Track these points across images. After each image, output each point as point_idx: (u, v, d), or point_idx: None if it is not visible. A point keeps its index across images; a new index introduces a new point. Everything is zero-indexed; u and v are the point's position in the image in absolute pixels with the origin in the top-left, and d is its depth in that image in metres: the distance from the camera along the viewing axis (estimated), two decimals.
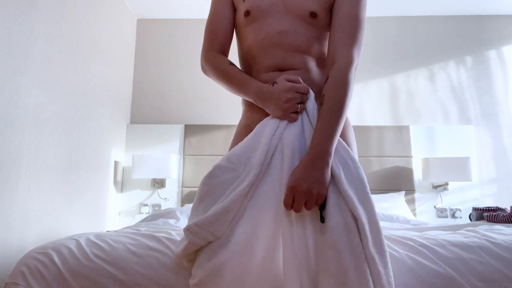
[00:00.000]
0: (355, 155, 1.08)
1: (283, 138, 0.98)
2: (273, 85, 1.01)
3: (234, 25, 1.19)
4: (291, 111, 0.99)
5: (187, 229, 0.93)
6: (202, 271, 0.90)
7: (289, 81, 1.01)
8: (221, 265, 0.88)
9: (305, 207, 0.88)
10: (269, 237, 0.90)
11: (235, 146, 1.02)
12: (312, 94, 1.03)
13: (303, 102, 1.01)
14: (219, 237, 0.91)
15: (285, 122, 0.99)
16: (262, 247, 0.89)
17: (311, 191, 0.87)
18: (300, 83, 1.01)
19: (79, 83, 2.35)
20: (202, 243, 0.92)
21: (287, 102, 0.98)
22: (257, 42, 1.10)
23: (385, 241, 0.89)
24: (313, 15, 1.08)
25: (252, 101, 1.06)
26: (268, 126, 1.00)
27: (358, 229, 0.86)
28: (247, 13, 1.11)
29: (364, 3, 1.07)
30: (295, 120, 1.00)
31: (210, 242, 0.92)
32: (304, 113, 1.01)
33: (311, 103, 1.01)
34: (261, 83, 1.04)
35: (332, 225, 0.86)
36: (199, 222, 0.91)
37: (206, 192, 0.97)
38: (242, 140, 1.08)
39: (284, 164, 0.94)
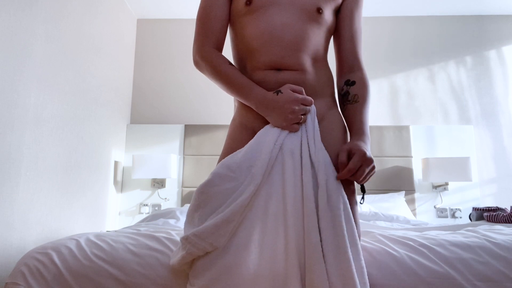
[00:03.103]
0: None
1: (283, 147, 0.97)
2: (277, 94, 0.99)
3: (229, 15, 1.13)
4: (294, 122, 0.99)
5: (185, 239, 0.91)
6: (201, 280, 0.89)
7: (293, 91, 1.00)
8: (220, 275, 0.87)
9: (359, 180, 0.95)
10: (271, 246, 0.88)
11: (235, 153, 1.00)
12: (313, 107, 1.02)
13: (305, 114, 1.00)
14: (217, 247, 0.89)
15: (285, 131, 0.99)
16: (262, 256, 0.88)
17: (374, 165, 0.97)
18: (304, 94, 1.01)
19: (79, 83, 2.35)
20: (200, 253, 0.90)
21: (292, 114, 0.97)
22: (257, 34, 1.06)
23: (352, 266, 0.85)
24: (320, 11, 1.07)
25: (253, 107, 1.04)
26: (269, 135, 0.99)
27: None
28: (249, 2, 1.07)
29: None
30: (296, 130, 0.99)
31: (207, 252, 0.90)
32: (303, 124, 1.01)
33: (311, 115, 1.01)
34: (264, 90, 1.02)
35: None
36: (198, 232, 0.89)
37: (204, 200, 0.94)
38: (237, 139, 1.07)
39: (285, 173, 0.94)
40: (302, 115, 0.99)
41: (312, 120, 1.01)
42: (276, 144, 0.97)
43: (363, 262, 0.88)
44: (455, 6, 3.19)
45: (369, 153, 0.95)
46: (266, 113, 1.01)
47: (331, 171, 0.94)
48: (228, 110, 3.24)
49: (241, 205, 0.90)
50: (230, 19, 1.14)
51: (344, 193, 0.93)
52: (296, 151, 0.96)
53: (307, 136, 0.99)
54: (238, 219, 0.90)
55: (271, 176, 0.94)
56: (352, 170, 0.92)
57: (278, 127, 1.00)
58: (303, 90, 1.01)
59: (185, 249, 0.91)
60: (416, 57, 3.29)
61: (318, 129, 1.00)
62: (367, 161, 0.93)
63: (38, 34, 1.93)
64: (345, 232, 0.88)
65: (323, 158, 0.95)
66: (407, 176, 2.98)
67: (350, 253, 0.86)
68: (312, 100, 1.02)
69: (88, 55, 2.47)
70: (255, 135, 1.01)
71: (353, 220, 0.91)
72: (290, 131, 0.99)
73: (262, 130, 1.01)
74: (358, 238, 0.90)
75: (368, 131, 1.04)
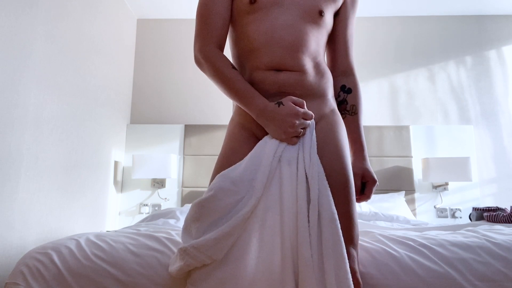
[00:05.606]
0: (348, 156, 1.06)
1: (282, 159, 0.97)
2: (278, 106, 0.99)
3: (230, 12, 1.12)
4: (293, 135, 0.98)
5: (184, 251, 0.90)
6: None
7: (294, 103, 0.99)
8: (217, 286, 0.87)
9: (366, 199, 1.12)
10: (267, 258, 0.88)
11: (237, 165, 0.99)
12: (313, 122, 1.02)
13: (305, 128, 1.00)
14: (216, 260, 0.88)
15: (284, 143, 0.99)
16: (258, 268, 0.87)
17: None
18: (305, 107, 1.00)
19: (79, 83, 2.35)
20: (198, 265, 0.89)
21: (291, 127, 0.97)
22: (259, 33, 1.05)
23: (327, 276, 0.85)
24: (321, 13, 1.08)
25: (253, 116, 1.03)
26: (267, 147, 0.98)
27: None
28: (253, 0, 1.06)
29: None
30: (295, 143, 0.99)
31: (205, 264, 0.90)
32: (302, 137, 1.01)
33: (309, 129, 1.01)
34: (265, 100, 1.01)
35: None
36: (197, 245, 0.88)
37: (203, 214, 0.92)
38: (235, 138, 1.07)
39: (283, 185, 0.94)
40: (301, 129, 0.99)
41: (310, 133, 1.00)
42: (275, 156, 0.96)
43: (350, 281, 0.84)
44: (455, 6, 3.19)
45: (375, 175, 1.13)
46: (265, 124, 1.01)
47: (324, 186, 0.93)
48: (228, 110, 3.24)
49: (242, 219, 0.89)
50: (232, 17, 1.13)
51: (334, 209, 0.91)
52: (293, 164, 0.96)
53: (303, 149, 0.98)
54: (238, 232, 0.89)
55: (270, 187, 0.94)
56: (369, 197, 1.11)
57: (277, 139, 0.99)
58: (305, 103, 1.01)
59: (183, 260, 0.91)
60: (416, 57, 3.29)
61: (315, 142, 0.99)
62: (376, 186, 1.12)
63: (38, 34, 1.93)
64: (330, 251, 0.86)
65: (317, 173, 0.94)
66: (407, 176, 2.98)
67: (333, 273, 0.84)
68: (313, 114, 1.01)
69: (88, 55, 2.47)
70: (255, 147, 1.01)
71: (341, 238, 0.88)
72: (289, 144, 0.99)
73: (261, 141, 1.01)
74: (346, 257, 0.87)
75: (365, 144, 1.20)
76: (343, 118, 1.16)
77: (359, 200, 1.11)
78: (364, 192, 1.12)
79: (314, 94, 1.08)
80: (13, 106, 1.74)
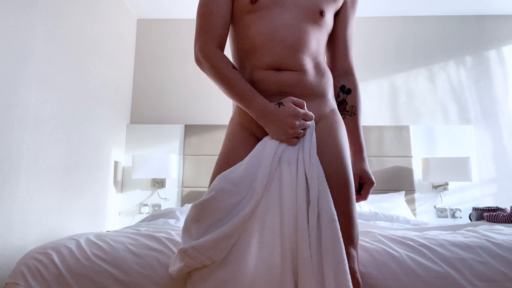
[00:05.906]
0: (347, 156, 1.06)
1: (282, 160, 0.97)
2: (279, 106, 0.99)
3: (231, 12, 1.11)
4: (293, 136, 0.98)
5: (184, 252, 0.90)
6: None
7: (295, 104, 0.99)
8: (217, 286, 0.87)
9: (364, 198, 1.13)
10: (267, 259, 0.88)
11: (237, 166, 0.99)
12: (313, 123, 1.02)
13: (305, 128, 1.00)
14: (216, 261, 0.88)
15: (284, 144, 0.99)
16: (258, 269, 0.87)
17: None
18: (305, 108, 1.00)
19: (79, 83, 2.35)
20: (198, 266, 0.89)
21: (292, 128, 0.97)
22: (260, 33, 1.06)
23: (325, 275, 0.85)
24: (322, 13, 1.08)
25: (253, 117, 1.03)
26: (267, 147, 0.98)
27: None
28: (254, 0, 1.06)
29: None
30: (295, 144, 0.99)
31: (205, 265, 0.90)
32: (302, 138, 1.01)
33: (309, 130, 1.01)
34: (266, 101, 1.01)
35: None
36: (197, 246, 0.88)
37: (204, 215, 0.92)
38: (235, 139, 1.07)
39: (283, 186, 0.94)
40: (301, 129, 0.99)
41: (310, 134, 1.00)
42: (275, 157, 0.96)
43: (349, 282, 0.84)
44: (455, 6, 3.19)
45: (373, 177, 1.13)
46: (265, 124, 1.01)
47: (324, 187, 0.93)
48: (228, 110, 3.24)
49: (242, 220, 0.89)
50: (232, 16, 1.13)
51: (333, 210, 0.91)
52: (293, 164, 0.96)
53: (303, 150, 0.98)
54: (238, 233, 0.89)
55: (270, 188, 0.94)
56: (365, 198, 1.12)
57: (277, 139, 0.99)
58: (305, 104, 1.01)
59: (183, 261, 0.91)
60: (416, 57, 3.29)
61: (315, 143, 1.00)
62: (373, 187, 1.13)
63: (38, 34, 1.93)
64: (329, 252, 0.86)
65: (316, 174, 0.94)
66: (407, 176, 2.98)
67: (332, 274, 0.84)
68: (313, 115, 1.02)
69: (88, 55, 2.47)
70: (255, 147, 1.01)
71: (341, 239, 0.88)
72: (289, 145, 0.99)
73: (261, 142, 1.02)
74: (345, 258, 0.86)
75: (364, 144, 1.20)
76: (342, 119, 1.16)
77: (356, 200, 1.10)
78: (361, 192, 1.13)
79: (314, 94, 1.08)
80: (13, 106, 1.74)
